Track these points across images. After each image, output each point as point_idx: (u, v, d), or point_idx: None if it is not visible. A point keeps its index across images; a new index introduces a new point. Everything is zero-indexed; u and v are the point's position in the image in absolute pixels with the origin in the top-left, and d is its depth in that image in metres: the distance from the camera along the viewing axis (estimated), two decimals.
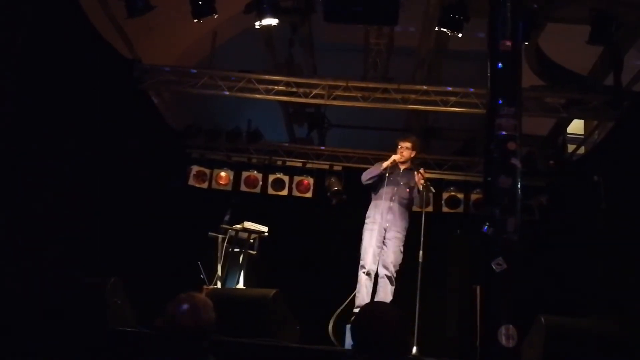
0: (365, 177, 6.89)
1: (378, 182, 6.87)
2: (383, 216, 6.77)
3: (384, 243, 6.76)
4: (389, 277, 6.70)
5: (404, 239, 6.83)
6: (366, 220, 6.88)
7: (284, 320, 5.75)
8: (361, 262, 6.73)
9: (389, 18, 7.33)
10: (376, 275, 6.74)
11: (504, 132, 4.49)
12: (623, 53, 8.05)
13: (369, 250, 6.69)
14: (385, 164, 6.83)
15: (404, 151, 6.91)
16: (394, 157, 6.86)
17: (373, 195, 6.92)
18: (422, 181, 6.80)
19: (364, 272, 6.69)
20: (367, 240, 6.74)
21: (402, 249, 6.79)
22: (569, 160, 10.56)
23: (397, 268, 6.75)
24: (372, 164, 7.59)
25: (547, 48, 8.56)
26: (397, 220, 6.81)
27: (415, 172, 6.84)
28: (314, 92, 8.96)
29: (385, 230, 6.76)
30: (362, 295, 6.65)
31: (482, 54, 4.97)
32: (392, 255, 6.74)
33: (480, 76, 5.12)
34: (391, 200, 6.81)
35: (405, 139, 6.99)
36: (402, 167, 6.99)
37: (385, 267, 6.71)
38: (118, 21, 7.75)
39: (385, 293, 6.66)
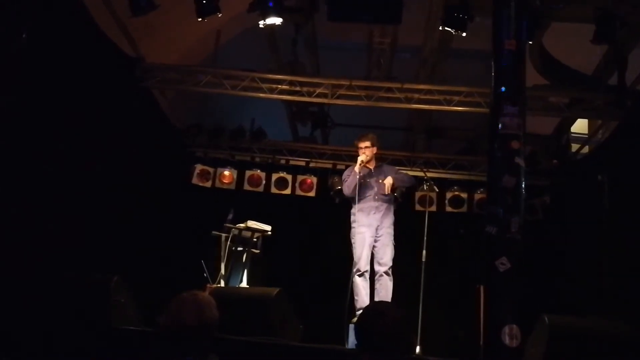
0: (349, 189, 6.91)
1: (357, 187, 6.89)
2: (371, 216, 6.82)
3: (375, 241, 6.79)
4: (387, 273, 6.74)
5: (393, 232, 6.89)
6: (353, 225, 6.90)
7: (287, 319, 5.75)
8: (356, 267, 6.74)
9: (393, 17, 7.33)
10: (371, 275, 6.78)
11: (507, 131, 4.48)
12: (627, 52, 8.03)
13: (363, 253, 6.73)
14: (357, 168, 6.87)
15: (366, 150, 6.95)
16: (360, 158, 6.91)
17: (354, 200, 6.93)
18: (390, 190, 6.88)
19: (358, 275, 6.71)
20: (359, 244, 6.77)
21: (394, 242, 6.85)
22: (572, 160, 10.54)
23: (392, 262, 6.80)
24: None
25: (551, 47, 8.55)
26: (385, 217, 6.88)
27: (385, 184, 6.87)
28: (318, 91, 8.96)
29: (376, 229, 6.81)
30: (362, 297, 6.67)
31: (486, 53, 4.97)
32: (388, 250, 6.80)
33: (484, 75, 5.11)
34: (374, 199, 6.88)
35: (363, 140, 7.02)
36: (372, 166, 7.05)
37: (383, 264, 6.74)
38: (122, 20, 7.76)
39: (387, 290, 6.69)
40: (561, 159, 10.42)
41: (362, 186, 6.89)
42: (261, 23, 7.71)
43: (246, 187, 10.40)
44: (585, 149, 10.65)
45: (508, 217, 4.29)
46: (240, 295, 6.32)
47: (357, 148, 7.03)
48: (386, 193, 6.86)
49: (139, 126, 8.47)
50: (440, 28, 7.67)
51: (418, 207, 9.88)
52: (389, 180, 6.85)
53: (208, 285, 7.04)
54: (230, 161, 10.53)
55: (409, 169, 9.62)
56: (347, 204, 7.10)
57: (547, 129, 10.51)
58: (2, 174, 5.77)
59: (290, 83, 8.97)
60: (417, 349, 6.19)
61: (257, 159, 10.63)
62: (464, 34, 7.49)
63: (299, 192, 10.41)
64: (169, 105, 9.77)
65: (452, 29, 7.49)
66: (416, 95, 8.82)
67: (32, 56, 6.14)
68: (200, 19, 7.60)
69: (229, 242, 7.44)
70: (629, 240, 7.26)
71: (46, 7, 6.34)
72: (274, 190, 10.40)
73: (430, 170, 9.80)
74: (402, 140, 11.64)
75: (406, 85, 8.84)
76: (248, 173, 10.46)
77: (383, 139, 7.98)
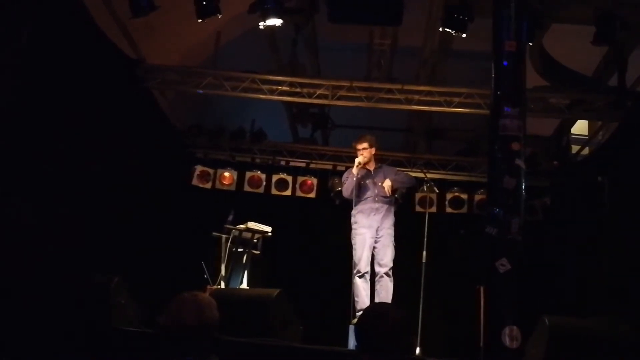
0: (348, 192, 6.94)
1: (357, 189, 6.90)
2: (371, 217, 6.82)
3: (375, 242, 6.80)
4: (387, 274, 6.74)
5: (393, 233, 6.88)
6: (353, 226, 6.89)
7: (287, 320, 5.75)
8: (356, 268, 6.74)
9: (393, 18, 7.33)
10: (372, 276, 6.78)
11: (508, 133, 4.49)
12: (627, 53, 8.04)
13: (363, 255, 6.73)
14: (354, 170, 6.88)
15: (364, 152, 6.95)
16: (358, 160, 6.91)
17: (355, 202, 6.92)
18: (390, 192, 6.89)
19: (358, 276, 6.71)
20: (359, 245, 6.77)
21: (394, 243, 6.84)
22: (572, 161, 10.54)
23: (392, 263, 6.80)
24: None
25: (551, 48, 8.55)
26: (385, 218, 6.88)
27: (384, 186, 6.87)
28: (318, 92, 8.96)
29: (376, 230, 6.81)
30: (362, 298, 6.66)
31: (486, 54, 4.97)
32: (389, 251, 6.80)
33: (485, 77, 5.12)
34: (374, 201, 6.88)
35: (360, 141, 7.02)
36: (372, 168, 7.05)
37: (384, 265, 6.74)
38: (122, 21, 7.77)
39: (387, 292, 6.68)
40: (561, 160, 10.42)
41: (362, 188, 6.89)
42: (261, 24, 7.71)
43: (246, 188, 10.40)
44: (586, 151, 10.65)
45: (508, 218, 4.29)
46: (241, 296, 6.32)
47: (355, 150, 7.03)
48: (386, 195, 6.86)
49: (139, 127, 8.47)
50: (441, 29, 7.67)
51: (418, 208, 9.89)
52: (387, 183, 6.86)
53: (208, 286, 7.05)
54: (230, 162, 10.53)
55: (409, 170, 9.62)
56: (347, 205, 7.09)
57: (548, 130, 10.51)
58: (2, 174, 5.77)
59: (291, 84, 8.97)
60: (417, 350, 6.19)
61: (258, 160, 10.63)
62: (464, 35, 7.49)
63: (299, 193, 10.42)
64: (170, 106, 9.78)
65: (452, 30, 7.48)
66: (416, 97, 8.81)
67: (32, 57, 6.15)
68: (200, 20, 7.60)
69: (229, 243, 7.44)
70: (629, 241, 7.26)
71: (46, 7, 6.34)
72: (274, 191, 10.40)
73: (431, 171, 9.79)
74: (402, 142, 11.64)
75: (406, 87, 8.83)
76: (248, 174, 10.46)
77: (383, 140, 7.99)
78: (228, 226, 7.51)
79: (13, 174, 5.87)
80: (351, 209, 6.96)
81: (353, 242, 6.84)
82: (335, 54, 10.00)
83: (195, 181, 10.34)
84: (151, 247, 8.51)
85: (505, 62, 4.66)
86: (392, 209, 6.98)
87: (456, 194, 10.28)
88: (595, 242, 8.10)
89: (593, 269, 8.04)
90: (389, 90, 8.87)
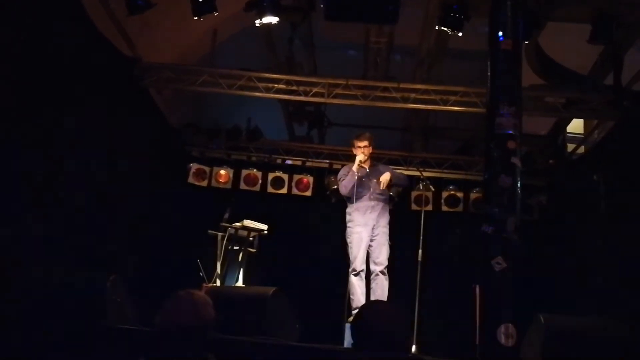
0: (346, 189, 6.93)
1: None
2: (367, 215, 6.83)
3: (371, 240, 6.80)
4: (382, 272, 6.75)
5: (388, 231, 6.89)
6: (349, 224, 6.89)
7: (284, 319, 5.74)
8: (351, 266, 6.75)
9: (389, 17, 7.32)
10: (367, 274, 6.79)
11: (504, 131, 4.50)
12: (623, 52, 8.05)
13: (359, 253, 6.74)
14: (355, 167, 6.90)
15: (365, 150, 6.97)
16: (359, 158, 6.93)
17: (350, 200, 6.93)
18: (385, 187, 6.92)
19: (354, 275, 6.72)
20: (355, 243, 6.77)
21: (389, 241, 6.85)
22: (568, 160, 10.56)
23: (387, 262, 6.81)
24: None
25: (548, 47, 8.56)
26: (381, 216, 6.89)
27: (381, 180, 6.88)
28: (314, 90, 8.95)
29: (372, 228, 6.81)
30: (358, 296, 6.68)
31: (483, 53, 4.98)
32: (384, 249, 6.81)
33: (481, 75, 5.13)
34: (370, 199, 6.89)
35: (362, 139, 7.04)
36: (367, 166, 7.06)
37: (379, 263, 6.75)
38: (118, 19, 7.75)
39: (383, 289, 6.69)
40: (557, 159, 10.43)
41: (359, 186, 6.89)
42: (257, 22, 7.71)
43: (242, 186, 10.41)
44: (581, 149, 10.67)
45: (504, 216, 4.30)
46: (237, 294, 6.30)
47: (356, 147, 7.02)
48: (382, 188, 6.86)
49: (136, 125, 8.46)
50: (437, 28, 7.68)
51: (414, 207, 9.90)
52: (386, 176, 6.85)
53: (204, 284, 7.04)
54: (226, 160, 10.53)
55: (405, 168, 9.63)
56: (343, 203, 7.10)
57: (544, 129, 10.53)
58: (1, 173, 5.76)
59: (287, 82, 8.96)
60: (413, 348, 6.20)
61: (254, 158, 10.63)
62: (460, 34, 7.49)
63: (295, 191, 10.43)
64: (166, 105, 9.76)
65: (448, 28, 7.49)
66: (412, 95, 8.81)
67: (29, 56, 6.13)
68: (196, 18, 7.59)
69: (225, 241, 7.43)
70: (626, 240, 7.27)
71: (43, 7, 6.32)
72: (270, 189, 10.42)
73: (427, 169, 9.81)
74: (398, 140, 11.65)
75: (403, 85, 8.84)
76: (244, 172, 10.48)
77: (379, 139, 7.99)
78: (224, 224, 7.50)
79: (11, 173, 5.86)
80: (346, 207, 6.97)
81: (349, 240, 6.84)
82: (331, 52, 9.99)
83: (191, 179, 10.34)
84: (147, 245, 8.50)
85: (501, 61, 4.67)
86: (388, 207, 6.99)
87: (452, 192, 10.30)
88: (591, 240, 8.11)
89: (589, 267, 8.05)
90: (385, 89, 8.87)
